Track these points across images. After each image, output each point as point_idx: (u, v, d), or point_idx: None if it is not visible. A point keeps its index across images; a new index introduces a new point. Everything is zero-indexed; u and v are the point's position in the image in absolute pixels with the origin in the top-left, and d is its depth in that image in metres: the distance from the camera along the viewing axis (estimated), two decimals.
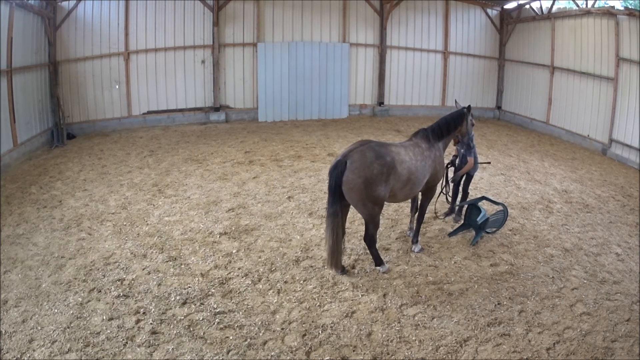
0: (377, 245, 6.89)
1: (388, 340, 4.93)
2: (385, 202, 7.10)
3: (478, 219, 7.02)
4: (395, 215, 8.05)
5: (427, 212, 7.06)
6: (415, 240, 6.86)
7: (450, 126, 6.72)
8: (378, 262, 6.24)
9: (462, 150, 7.46)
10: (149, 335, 4.85)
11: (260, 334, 4.95)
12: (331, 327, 5.08)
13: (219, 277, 5.95)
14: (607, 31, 13.24)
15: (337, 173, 5.65)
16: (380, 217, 7.81)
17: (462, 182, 7.85)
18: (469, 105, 6.85)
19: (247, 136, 13.38)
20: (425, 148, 6.37)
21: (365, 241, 6.20)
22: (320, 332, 5.00)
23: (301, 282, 5.90)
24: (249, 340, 4.85)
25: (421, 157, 6.25)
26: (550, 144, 14.42)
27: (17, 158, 10.44)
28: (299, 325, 5.10)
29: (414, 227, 6.97)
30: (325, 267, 6.18)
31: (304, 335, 4.95)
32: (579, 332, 5.21)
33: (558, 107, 15.53)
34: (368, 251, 6.72)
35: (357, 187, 5.63)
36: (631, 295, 5.99)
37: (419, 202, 6.90)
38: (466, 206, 7.50)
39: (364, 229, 7.39)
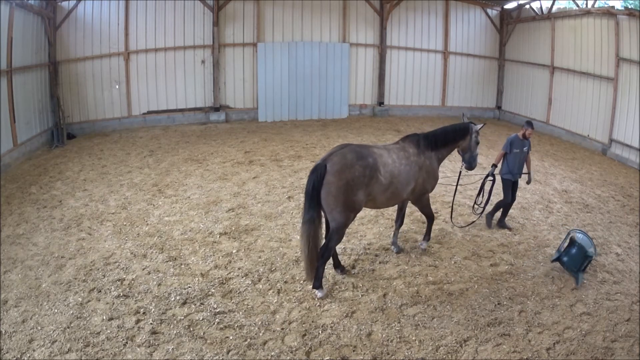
0: (377, 246, 6.90)
1: (388, 340, 4.93)
2: (368, 208, 6.75)
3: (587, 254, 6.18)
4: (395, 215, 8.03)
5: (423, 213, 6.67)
6: (427, 238, 6.72)
7: (448, 137, 6.32)
8: (318, 283, 5.56)
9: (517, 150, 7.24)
10: (149, 335, 4.85)
11: (260, 334, 4.94)
12: (331, 327, 5.08)
13: (219, 277, 5.95)
14: (607, 31, 13.25)
15: (315, 177, 5.32)
16: (381, 217, 7.85)
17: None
18: (484, 125, 6.50)
19: (247, 136, 13.38)
20: (413, 153, 6.02)
21: (320, 255, 5.47)
22: (320, 332, 5.00)
23: (301, 282, 5.89)
24: (249, 340, 4.85)
25: (406, 161, 5.92)
26: (550, 144, 14.42)
27: (17, 158, 10.44)
28: (299, 325, 5.10)
29: (425, 229, 6.73)
30: (307, 280, 5.73)
31: (304, 335, 4.94)
32: (579, 332, 5.21)
33: (558, 107, 15.53)
34: (367, 251, 6.72)
35: (337, 191, 5.31)
36: (631, 295, 5.98)
37: (420, 211, 6.59)
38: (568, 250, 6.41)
39: (361, 228, 7.45)
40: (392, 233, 6.92)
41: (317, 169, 5.37)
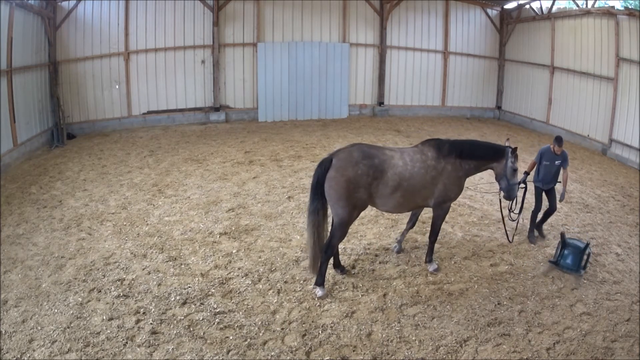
0: (377, 246, 6.90)
1: (388, 340, 4.93)
2: (379, 211, 6.76)
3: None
4: (396, 214, 8.04)
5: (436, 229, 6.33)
6: (429, 259, 6.34)
7: (477, 151, 6.00)
8: (321, 280, 5.63)
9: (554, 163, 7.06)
10: (149, 335, 4.85)
11: (260, 334, 4.95)
12: (331, 327, 5.08)
13: (219, 277, 5.95)
14: (607, 31, 13.25)
15: (320, 170, 5.50)
16: (381, 216, 7.84)
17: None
18: (516, 148, 6.04)
19: (247, 136, 13.38)
20: (431, 157, 5.80)
21: (323, 251, 5.55)
22: (320, 332, 5.00)
23: (301, 282, 5.89)
24: (249, 340, 4.85)
25: (420, 165, 5.72)
26: (550, 144, 14.40)
27: (17, 158, 10.44)
28: (299, 325, 5.10)
29: (428, 246, 6.38)
30: (310, 275, 5.85)
31: (304, 335, 4.95)
32: (579, 332, 5.21)
33: (558, 107, 15.53)
34: (367, 251, 6.73)
35: (338, 186, 5.39)
36: (631, 295, 5.99)
37: (432, 219, 6.27)
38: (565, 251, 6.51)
39: (361, 228, 7.45)
40: (400, 232, 6.93)
41: (322, 163, 5.55)
